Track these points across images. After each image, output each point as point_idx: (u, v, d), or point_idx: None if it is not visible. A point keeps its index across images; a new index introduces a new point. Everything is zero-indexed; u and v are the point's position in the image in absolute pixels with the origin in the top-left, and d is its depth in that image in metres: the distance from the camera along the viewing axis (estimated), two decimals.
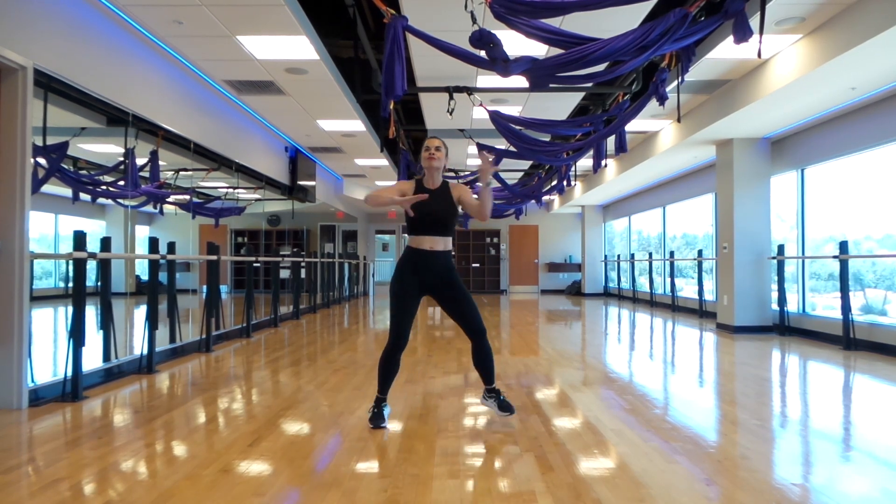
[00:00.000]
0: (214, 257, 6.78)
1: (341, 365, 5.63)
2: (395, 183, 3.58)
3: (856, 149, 6.97)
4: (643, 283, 14.09)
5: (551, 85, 4.46)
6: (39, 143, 4.43)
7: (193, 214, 7.50)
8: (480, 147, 7.14)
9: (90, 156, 6.22)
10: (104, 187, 6.38)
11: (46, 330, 7.62)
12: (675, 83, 5.54)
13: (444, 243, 3.54)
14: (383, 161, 11.32)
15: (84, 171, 6.12)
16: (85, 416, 3.83)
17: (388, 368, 3.55)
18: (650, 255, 13.75)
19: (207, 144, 6.88)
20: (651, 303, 13.41)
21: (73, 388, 4.21)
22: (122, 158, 5.81)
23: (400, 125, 7.83)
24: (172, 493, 2.50)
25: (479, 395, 4.33)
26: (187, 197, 7.48)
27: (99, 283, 4.79)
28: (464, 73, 6.06)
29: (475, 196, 3.57)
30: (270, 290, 9.47)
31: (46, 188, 5.11)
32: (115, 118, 5.41)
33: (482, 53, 4.01)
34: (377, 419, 3.53)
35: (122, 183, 6.07)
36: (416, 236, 3.53)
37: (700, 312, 10.47)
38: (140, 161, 5.98)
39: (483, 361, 3.62)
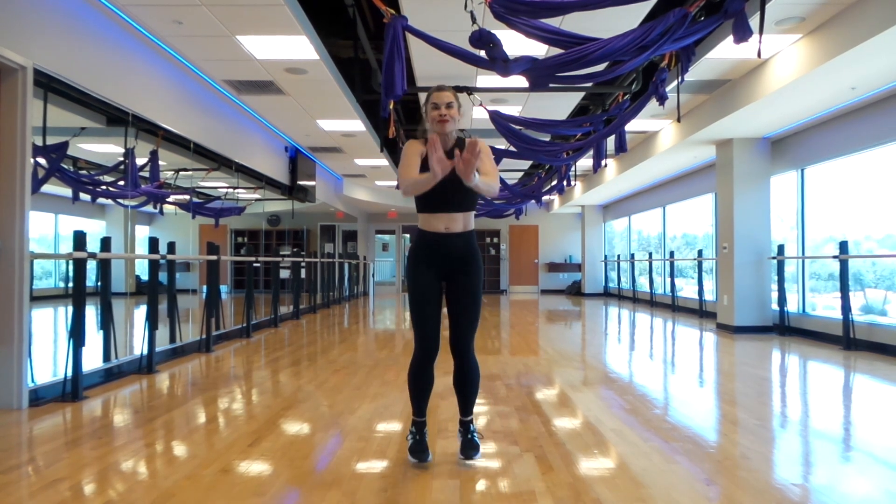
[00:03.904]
0: (214, 257, 6.78)
1: (341, 365, 5.63)
2: (405, 154, 2.79)
3: (856, 149, 6.96)
4: (643, 284, 14.09)
5: (551, 85, 4.47)
6: (39, 143, 4.44)
7: (193, 214, 7.50)
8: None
9: (90, 156, 6.23)
10: (104, 187, 6.38)
11: (46, 330, 7.62)
12: (675, 83, 5.54)
13: (464, 221, 2.81)
14: (383, 161, 11.33)
15: (84, 171, 6.12)
16: (85, 416, 3.83)
17: (418, 384, 2.86)
18: (650, 255, 13.75)
19: (207, 144, 6.88)
20: (651, 303, 13.40)
21: (73, 388, 4.21)
22: (121, 158, 5.81)
23: (400, 125, 7.82)
24: (172, 493, 2.50)
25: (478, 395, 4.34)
26: (187, 197, 7.48)
27: (99, 283, 4.80)
28: (464, 73, 6.06)
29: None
30: (270, 290, 9.48)
31: (46, 188, 5.11)
32: (115, 118, 5.41)
33: (482, 53, 4.01)
34: (419, 451, 2.82)
35: (122, 183, 6.07)
36: (428, 214, 2.80)
37: (700, 312, 10.47)
38: (140, 161, 5.98)
39: (462, 384, 2.90)
